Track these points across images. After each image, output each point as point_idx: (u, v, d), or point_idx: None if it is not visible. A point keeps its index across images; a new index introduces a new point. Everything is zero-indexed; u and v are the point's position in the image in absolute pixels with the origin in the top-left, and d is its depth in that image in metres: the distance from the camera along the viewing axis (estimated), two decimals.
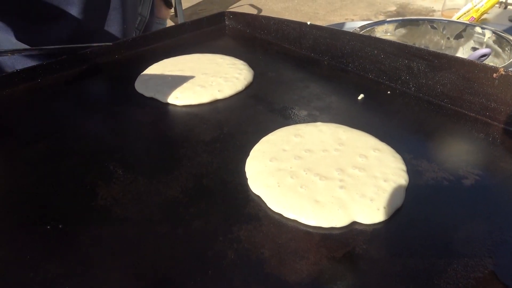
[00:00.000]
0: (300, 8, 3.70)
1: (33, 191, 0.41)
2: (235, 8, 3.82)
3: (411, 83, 0.54)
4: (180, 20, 3.14)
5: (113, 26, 0.74)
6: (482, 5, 1.14)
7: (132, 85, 0.58)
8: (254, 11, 3.69)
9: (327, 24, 0.77)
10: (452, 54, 0.49)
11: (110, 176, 0.42)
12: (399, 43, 0.54)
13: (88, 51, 0.65)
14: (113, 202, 0.38)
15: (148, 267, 0.32)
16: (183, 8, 3.41)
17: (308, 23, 0.65)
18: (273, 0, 3.97)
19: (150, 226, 0.36)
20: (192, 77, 0.58)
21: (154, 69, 0.61)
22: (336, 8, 3.63)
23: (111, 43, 0.68)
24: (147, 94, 0.55)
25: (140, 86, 0.57)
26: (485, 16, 1.19)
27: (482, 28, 0.81)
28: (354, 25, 1.05)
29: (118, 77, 0.62)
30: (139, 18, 0.83)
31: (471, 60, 0.48)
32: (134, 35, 0.82)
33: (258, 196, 0.38)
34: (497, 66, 0.74)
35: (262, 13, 3.59)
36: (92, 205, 0.38)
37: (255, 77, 0.60)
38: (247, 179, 0.41)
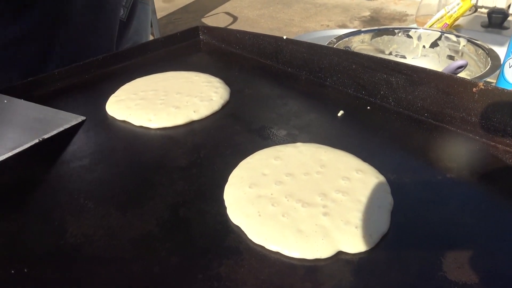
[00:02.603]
0: (275, 15, 3.71)
1: None
2: (211, 16, 3.81)
3: (390, 97, 0.53)
4: (155, 29, 3.10)
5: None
6: (455, 11, 1.16)
7: (103, 108, 0.56)
8: (230, 19, 3.68)
9: (303, 31, 0.76)
10: (430, 68, 0.49)
11: (80, 210, 0.39)
12: (377, 58, 0.53)
13: (56, 71, 0.62)
14: (84, 240, 0.36)
15: None
16: (158, 18, 3.39)
17: (284, 37, 0.64)
18: (248, 7, 3.97)
19: (123, 265, 0.34)
20: (166, 97, 0.55)
21: (126, 90, 0.58)
22: (311, 14, 3.65)
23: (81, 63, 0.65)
24: (119, 117, 0.53)
25: (111, 108, 0.54)
26: (458, 22, 1.20)
27: (457, 36, 0.82)
28: (330, 33, 1.04)
29: (89, 99, 0.59)
30: None
31: (450, 75, 0.47)
32: (122, 11, 0.81)
33: (238, 227, 0.37)
34: (475, 74, 0.75)
35: (238, 21, 3.60)
36: (61, 243, 0.36)
37: (232, 94, 0.59)
38: (226, 207, 0.39)
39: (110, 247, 0.35)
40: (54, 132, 0.49)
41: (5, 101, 0.55)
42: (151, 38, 0.96)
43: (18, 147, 0.45)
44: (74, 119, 0.52)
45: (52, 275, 0.33)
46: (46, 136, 0.48)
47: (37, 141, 0.47)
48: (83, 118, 0.53)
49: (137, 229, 0.37)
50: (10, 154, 0.44)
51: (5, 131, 0.48)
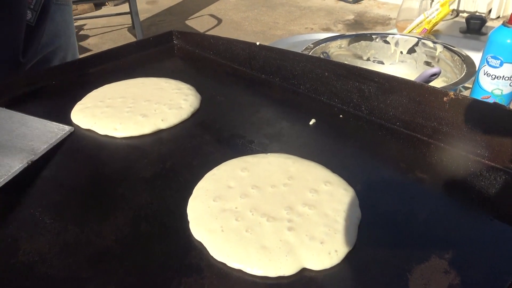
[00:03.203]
0: (260, 18, 3.70)
1: None
2: (195, 18, 3.78)
3: (363, 106, 0.52)
4: (138, 31, 3.07)
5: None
6: (434, 16, 1.16)
7: (68, 116, 0.54)
8: (214, 22, 3.67)
9: (287, 34, 0.75)
10: (408, 74, 0.48)
11: (35, 225, 0.37)
12: (349, 65, 0.52)
13: (21, 77, 0.60)
14: (37, 258, 0.34)
15: None
16: (142, 20, 3.35)
17: (258, 43, 0.62)
18: (233, 10, 3.96)
19: (78, 285, 0.32)
20: (133, 105, 0.54)
21: (93, 97, 0.56)
22: (296, 17, 3.66)
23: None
24: (84, 125, 0.51)
25: (76, 116, 0.53)
26: (437, 27, 1.21)
27: (434, 42, 0.82)
28: (313, 37, 1.03)
29: (54, 106, 0.57)
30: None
31: (421, 84, 0.46)
32: (31, 15, 0.71)
33: (201, 243, 0.35)
34: (451, 81, 0.74)
35: (223, 23, 3.58)
36: (12, 262, 0.34)
37: (202, 101, 0.57)
38: (189, 222, 0.37)
39: (65, 266, 0.34)
40: (43, 152, 0.47)
41: None
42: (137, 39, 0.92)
43: (6, 174, 0.43)
44: (61, 131, 0.50)
45: None
46: (35, 158, 0.45)
47: (26, 165, 0.44)
48: (71, 129, 0.51)
49: (95, 246, 0.35)
50: None
51: None
